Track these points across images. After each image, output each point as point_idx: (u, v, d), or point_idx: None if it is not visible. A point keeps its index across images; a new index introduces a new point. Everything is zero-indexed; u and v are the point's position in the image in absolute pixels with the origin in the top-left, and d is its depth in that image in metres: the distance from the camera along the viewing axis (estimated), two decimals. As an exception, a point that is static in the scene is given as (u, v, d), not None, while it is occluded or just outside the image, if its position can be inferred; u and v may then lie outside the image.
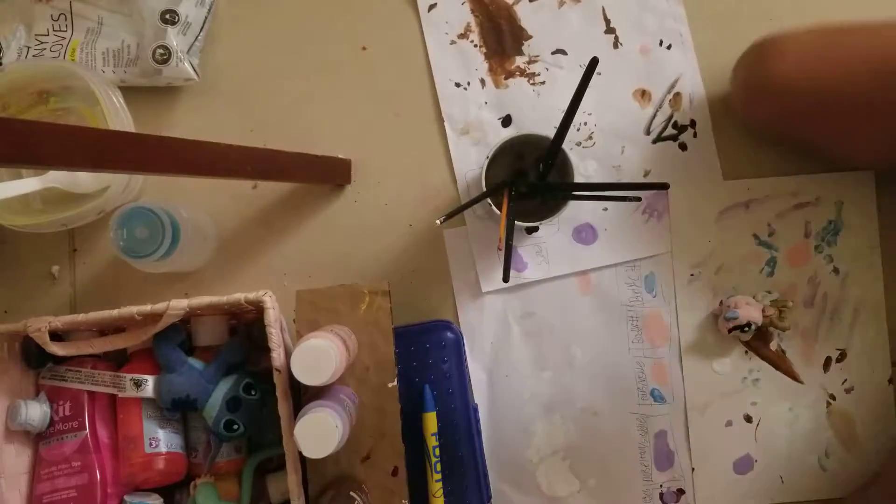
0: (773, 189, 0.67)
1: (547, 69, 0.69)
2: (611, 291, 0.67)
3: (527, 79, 0.69)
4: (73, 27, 0.68)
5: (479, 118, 0.68)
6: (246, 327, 0.60)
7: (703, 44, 0.68)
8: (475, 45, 0.69)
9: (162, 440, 0.56)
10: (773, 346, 0.66)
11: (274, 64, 0.70)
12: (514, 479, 0.67)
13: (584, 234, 0.68)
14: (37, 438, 0.58)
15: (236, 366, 0.58)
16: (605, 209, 0.68)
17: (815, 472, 0.66)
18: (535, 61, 0.69)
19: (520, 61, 0.69)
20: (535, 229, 0.66)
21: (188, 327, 0.59)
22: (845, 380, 0.67)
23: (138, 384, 0.55)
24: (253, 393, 0.56)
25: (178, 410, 0.56)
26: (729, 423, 0.67)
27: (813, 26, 0.57)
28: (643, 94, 0.68)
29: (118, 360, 0.60)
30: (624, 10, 0.69)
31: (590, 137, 0.68)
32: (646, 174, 0.68)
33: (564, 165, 0.60)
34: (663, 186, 0.56)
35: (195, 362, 0.56)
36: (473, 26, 0.69)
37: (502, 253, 0.52)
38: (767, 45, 0.58)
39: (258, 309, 0.54)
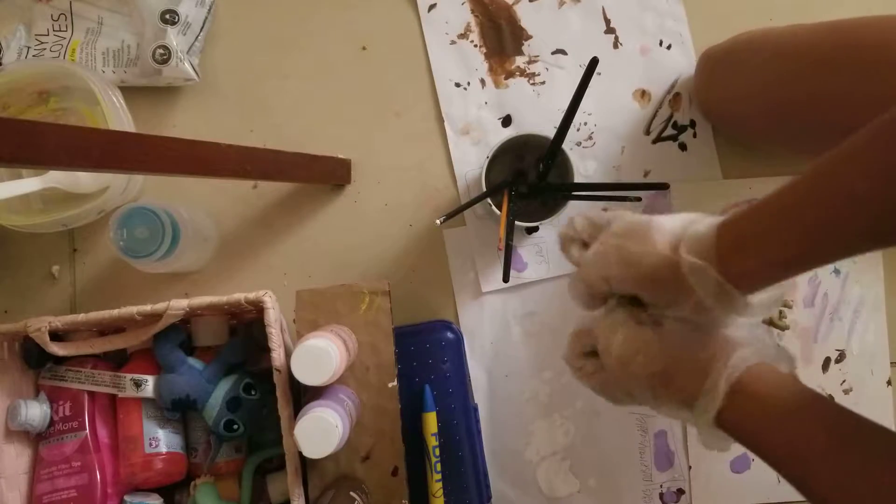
0: (774, 189, 0.67)
1: (547, 69, 0.69)
2: (611, 291, 0.67)
3: (527, 79, 0.69)
4: (73, 27, 0.68)
5: (479, 118, 0.68)
6: (246, 327, 0.60)
7: (703, 44, 0.67)
8: (475, 45, 0.69)
9: (162, 440, 0.56)
10: (772, 346, 0.66)
11: (274, 64, 0.70)
12: (514, 479, 0.67)
13: (584, 234, 0.68)
14: (37, 438, 0.58)
15: (236, 366, 0.58)
16: (605, 209, 0.68)
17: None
18: (535, 61, 0.69)
19: (520, 61, 0.69)
20: (535, 229, 0.66)
21: (188, 327, 0.59)
22: (844, 380, 0.67)
23: (138, 384, 0.55)
24: (253, 393, 0.56)
25: (178, 410, 0.56)
26: (728, 423, 0.67)
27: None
28: (643, 94, 0.68)
29: (118, 360, 0.59)
30: (624, 10, 0.69)
31: (590, 137, 0.68)
32: (646, 174, 0.68)
33: (564, 165, 0.60)
34: (663, 186, 0.56)
35: (195, 362, 0.56)
36: (473, 26, 0.69)
37: (502, 253, 0.52)
38: (714, 49, 0.64)
39: (258, 309, 0.54)
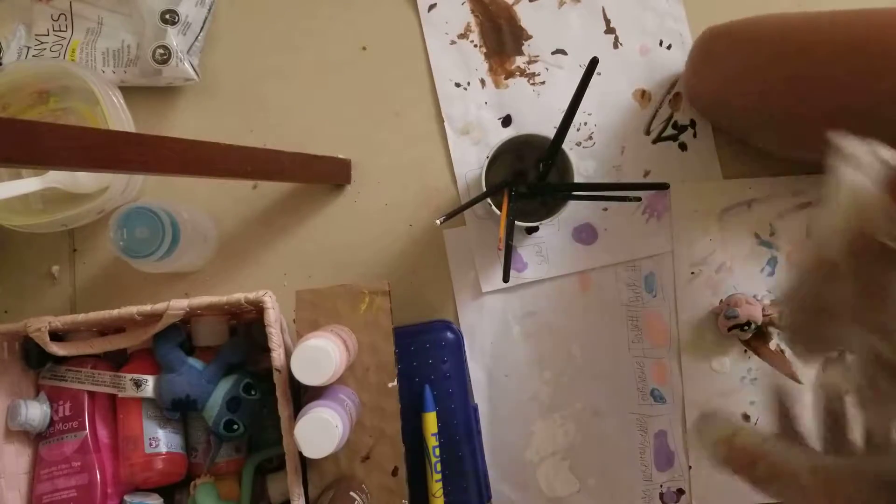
0: (774, 189, 0.67)
1: (547, 69, 0.69)
2: (611, 291, 0.67)
3: (527, 79, 0.69)
4: (73, 27, 0.68)
5: (479, 118, 0.68)
6: (246, 327, 0.60)
7: (703, 44, 0.68)
8: (475, 45, 0.69)
9: (162, 440, 0.56)
10: (772, 345, 0.66)
11: (274, 64, 0.70)
12: (514, 479, 0.67)
13: (584, 234, 0.68)
14: (37, 438, 0.58)
15: (236, 366, 0.58)
16: (605, 209, 0.68)
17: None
18: (535, 61, 0.69)
19: (520, 61, 0.69)
20: (535, 229, 0.66)
21: (188, 327, 0.59)
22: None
23: (138, 384, 0.55)
24: (253, 393, 0.56)
25: (178, 410, 0.56)
26: (728, 423, 0.67)
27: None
28: (643, 94, 0.68)
29: (118, 360, 0.59)
30: (624, 10, 0.69)
31: (590, 137, 0.68)
32: (646, 174, 0.68)
33: (564, 165, 0.60)
34: (663, 186, 0.56)
35: (195, 362, 0.56)
36: (473, 26, 0.69)
37: (502, 253, 0.52)
38: (714, 28, 0.62)
39: (258, 309, 0.54)
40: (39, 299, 0.69)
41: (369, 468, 0.55)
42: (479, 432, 0.63)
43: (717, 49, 0.62)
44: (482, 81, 0.69)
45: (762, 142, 0.65)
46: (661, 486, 0.67)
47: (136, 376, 0.56)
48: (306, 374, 0.46)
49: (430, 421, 0.59)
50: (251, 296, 0.53)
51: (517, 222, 0.57)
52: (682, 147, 0.68)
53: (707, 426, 0.42)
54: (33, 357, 0.58)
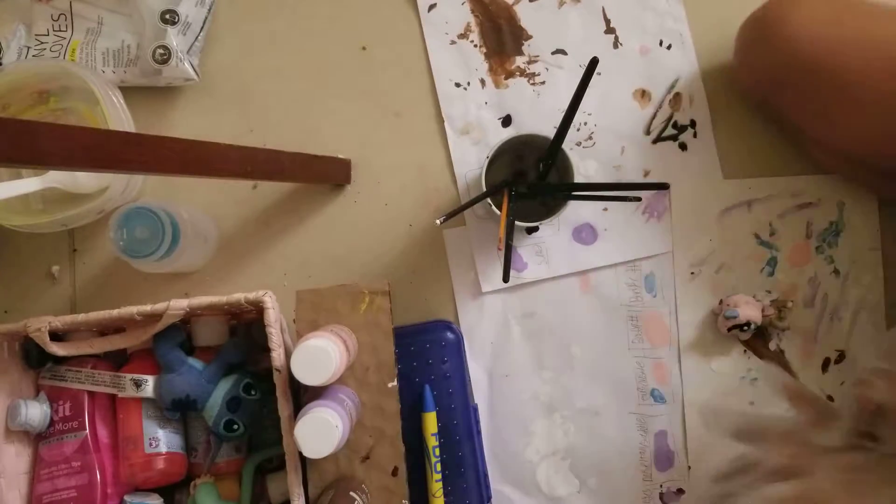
0: (774, 189, 0.67)
1: (547, 69, 0.69)
2: (611, 291, 0.67)
3: (527, 79, 0.69)
4: (73, 27, 0.68)
5: (479, 118, 0.68)
6: (246, 327, 0.60)
7: (703, 44, 0.68)
8: (475, 45, 0.69)
9: (162, 440, 0.56)
10: (771, 345, 0.66)
11: (274, 64, 0.70)
12: (514, 479, 0.67)
13: (584, 234, 0.68)
14: (37, 438, 0.58)
15: (236, 366, 0.58)
16: (605, 209, 0.68)
17: (814, 472, 0.66)
18: (535, 61, 0.69)
19: (520, 61, 0.69)
20: (535, 229, 0.66)
21: (188, 327, 0.59)
22: (843, 381, 0.67)
23: (138, 384, 0.55)
24: (253, 393, 0.56)
25: (178, 410, 0.56)
26: (728, 423, 0.67)
27: None
28: (643, 94, 0.68)
29: (118, 360, 0.60)
30: (624, 10, 0.69)
31: (590, 137, 0.68)
32: (646, 174, 0.68)
33: (564, 165, 0.60)
34: (663, 186, 0.56)
35: (195, 362, 0.56)
36: (473, 26, 0.69)
37: (502, 253, 0.52)
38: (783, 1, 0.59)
39: (258, 309, 0.54)
40: (39, 299, 0.69)
41: (369, 468, 0.55)
42: (479, 432, 0.63)
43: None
44: (482, 81, 0.69)
45: (796, 132, 0.63)
46: (661, 486, 0.67)
47: (136, 376, 0.56)
48: (306, 374, 0.46)
49: (430, 421, 0.59)
50: (251, 296, 0.53)
51: (517, 222, 0.57)
52: (682, 147, 0.68)
53: None
54: (33, 357, 0.58)
